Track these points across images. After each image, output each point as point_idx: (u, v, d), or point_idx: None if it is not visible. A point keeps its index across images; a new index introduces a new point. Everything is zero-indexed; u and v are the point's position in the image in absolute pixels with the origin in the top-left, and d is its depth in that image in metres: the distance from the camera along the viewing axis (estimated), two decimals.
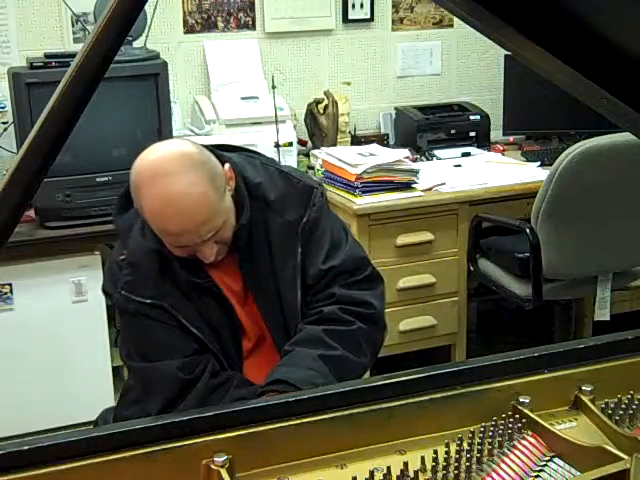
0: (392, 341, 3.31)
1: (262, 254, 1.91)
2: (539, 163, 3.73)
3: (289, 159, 3.48)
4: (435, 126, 3.94)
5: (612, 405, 1.39)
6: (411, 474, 1.23)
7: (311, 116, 3.82)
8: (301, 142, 3.80)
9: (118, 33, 1.09)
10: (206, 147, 1.85)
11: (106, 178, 3.09)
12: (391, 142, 4.03)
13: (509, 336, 4.03)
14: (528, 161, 3.81)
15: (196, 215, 1.74)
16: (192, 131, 3.55)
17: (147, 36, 3.35)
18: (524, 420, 1.33)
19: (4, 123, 3.36)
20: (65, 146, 1.13)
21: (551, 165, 3.07)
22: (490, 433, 1.31)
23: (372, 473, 1.21)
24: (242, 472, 1.25)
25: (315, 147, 3.79)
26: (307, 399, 1.33)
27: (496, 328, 4.19)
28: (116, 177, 2.98)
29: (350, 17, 3.98)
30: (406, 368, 1.50)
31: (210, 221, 1.76)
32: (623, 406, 1.39)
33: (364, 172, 3.25)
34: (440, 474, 1.23)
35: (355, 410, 1.32)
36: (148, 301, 1.84)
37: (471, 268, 3.43)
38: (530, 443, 1.31)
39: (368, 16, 4.00)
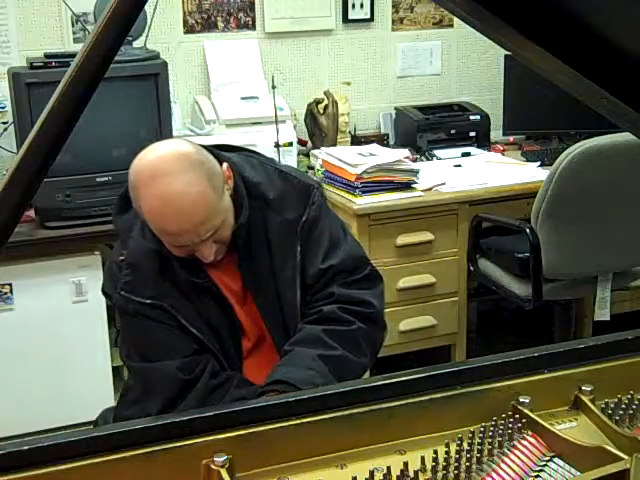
0: (392, 341, 3.31)
1: (261, 253, 1.91)
2: (539, 163, 3.73)
3: (289, 159, 3.48)
4: (435, 126, 3.94)
5: (612, 405, 1.39)
6: (411, 474, 1.23)
7: (311, 116, 3.82)
8: (301, 142, 3.80)
9: (118, 33, 1.09)
10: (204, 147, 1.85)
11: (106, 178, 3.09)
12: (391, 142, 4.03)
13: (509, 336, 4.03)
14: (528, 161, 3.81)
15: (194, 215, 1.74)
16: (192, 131, 3.55)
17: (147, 36, 3.35)
18: (524, 420, 1.33)
19: (4, 123, 3.36)
20: (65, 146, 1.13)
21: (551, 165, 3.07)
22: (490, 433, 1.31)
23: (372, 473, 1.21)
24: (242, 472, 1.25)
25: (315, 147, 3.79)
26: (307, 399, 1.33)
27: (496, 328, 4.19)
28: (116, 177, 2.98)
29: (350, 17, 3.98)
30: (406, 368, 1.50)
31: (208, 220, 1.76)
32: (623, 406, 1.39)
33: (364, 172, 3.25)
34: (440, 474, 1.23)
35: (355, 410, 1.32)
36: (148, 301, 1.84)
37: (471, 268, 3.43)
38: (530, 443, 1.31)
39: (368, 16, 4.00)
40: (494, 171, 3.62)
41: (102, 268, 3.03)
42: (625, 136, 2.89)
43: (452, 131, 3.96)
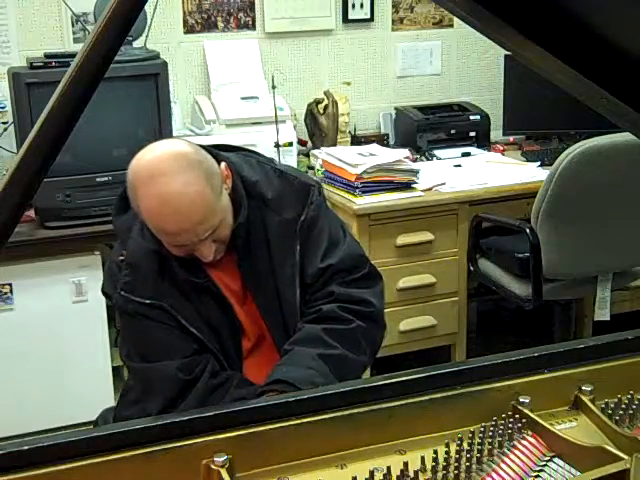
0: (392, 341, 3.31)
1: (260, 253, 1.91)
2: (539, 163, 3.73)
3: (289, 159, 3.48)
4: (435, 126, 3.94)
5: (612, 405, 1.39)
6: (411, 474, 1.22)
7: (311, 116, 3.82)
8: (301, 142, 3.80)
9: (118, 33, 1.09)
10: (202, 147, 1.85)
11: (106, 178, 3.09)
12: (391, 142, 4.03)
13: (509, 336, 4.03)
14: (528, 161, 3.81)
15: (193, 214, 1.74)
16: (192, 131, 3.55)
17: (147, 36, 3.35)
18: (524, 420, 1.33)
19: (4, 123, 3.36)
20: (65, 146, 1.13)
21: (551, 165, 3.07)
22: (490, 433, 1.31)
23: (372, 473, 1.21)
24: (242, 472, 1.25)
25: (315, 147, 3.79)
26: (307, 399, 1.33)
27: (496, 328, 4.19)
28: (116, 177, 2.98)
29: (350, 17, 3.98)
30: (406, 368, 1.50)
31: (207, 220, 1.76)
32: (623, 406, 1.39)
33: (364, 172, 3.25)
34: (440, 474, 1.23)
35: (355, 410, 1.32)
36: (147, 301, 1.84)
37: (471, 268, 3.43)
38: (530, 443, 1.31)
39: (368, 16, 4.00)
40: (494, 171, 3.62)
41: (102, 268, 3.03)
42: (625, 136, 2.89)
43: (452, 131, 3.96)
